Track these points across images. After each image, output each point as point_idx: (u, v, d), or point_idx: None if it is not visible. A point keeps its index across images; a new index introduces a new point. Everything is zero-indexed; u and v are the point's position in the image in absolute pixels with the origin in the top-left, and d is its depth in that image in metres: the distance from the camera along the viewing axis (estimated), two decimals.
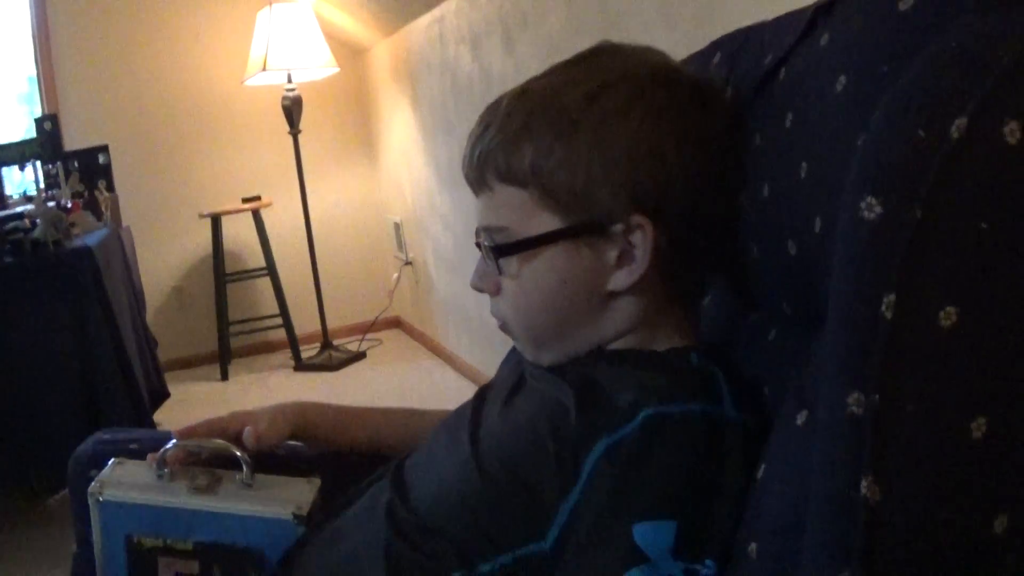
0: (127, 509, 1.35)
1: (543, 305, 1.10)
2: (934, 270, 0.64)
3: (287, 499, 1.34)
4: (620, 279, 1.06)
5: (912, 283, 0.64)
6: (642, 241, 1.03)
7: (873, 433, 0.65)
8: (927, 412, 0.65)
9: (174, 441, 1.39)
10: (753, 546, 0.85)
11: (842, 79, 0.83)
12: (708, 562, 0.89)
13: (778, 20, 1.09)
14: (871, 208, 0.66)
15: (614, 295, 1.07)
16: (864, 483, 0.65)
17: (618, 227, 1.03)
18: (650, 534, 0.90)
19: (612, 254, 1.05)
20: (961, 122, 0.63)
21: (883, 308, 0.64)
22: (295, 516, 1.31)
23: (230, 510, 1.34)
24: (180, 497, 1.35)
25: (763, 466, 0.90)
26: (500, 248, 1.09)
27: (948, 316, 0.63)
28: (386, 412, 1.62)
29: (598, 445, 0.96)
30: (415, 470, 1.22)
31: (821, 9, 0.94)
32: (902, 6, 0.79)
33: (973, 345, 0.64)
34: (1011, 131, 0.62)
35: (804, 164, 0.88)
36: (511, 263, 1.09)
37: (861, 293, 0.67)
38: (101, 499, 1.35)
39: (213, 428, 1.43)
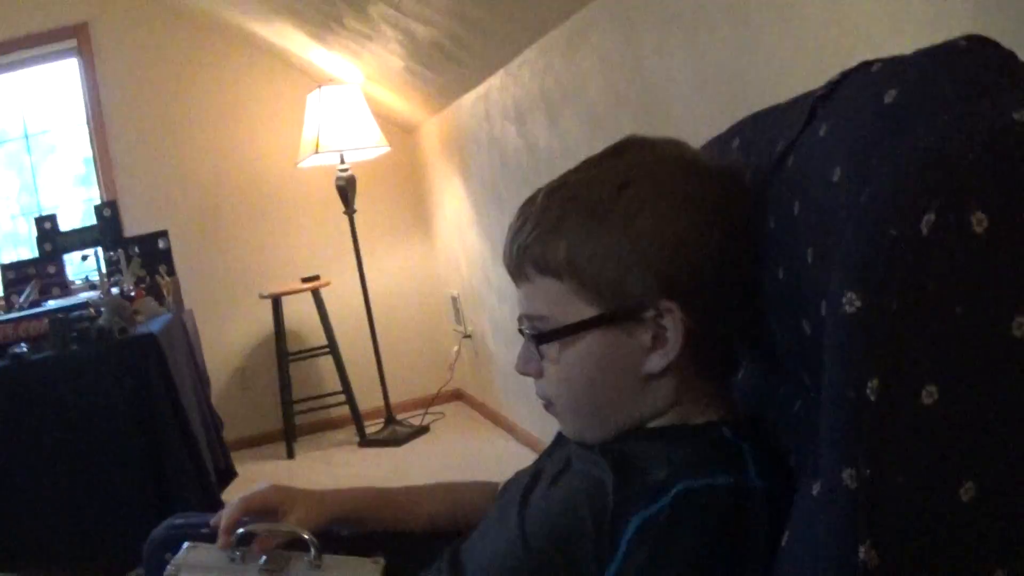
0: None
1: (583, 387, 1.15)
2: (913, 354, 0.70)
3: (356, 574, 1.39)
4: (654, 362, 1.10)
5: (893, 367, 0.70)
6: (673, 324, 1.08)
7: (867, 503, 0.71)
8: (917, 481, 0.70)
9: (244, 529, 1.44)
10: None
11: (837, 170, 0.88)
12: None
13: (787, 106, 1.14)
14: (851, 302, 0.72)
15: (650, 376, 1.12)
16: (862, 549, 0.71)
17: (650, 312, 1.09)
18: None
19: (646, 338, 1.10)
20: (930, 218, 0.69)
21: (868, 391, 0.70)
22: None
23: None
24: None
25: (787, 533, 0.95)
26: (541, 335, 1.15)
27: (930, 394, 0.69)
28: (426, 489, 1.66)
29: (633, 520, 1.01)
30: (469, 551, 1.28)
31: (820, 100, 1.00)
32: (887, 99, 0.84)
33: (955, 418, 0.70)
34: (978, 220, 0.68)
35: (810, 250, 0.93)
36: (552, 349, 1.15)
37: (848, 378, 0.73)
38: None
39: (251, 507, 1.48)
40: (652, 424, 1.15)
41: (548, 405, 1.22)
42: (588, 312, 1.11)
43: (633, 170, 1.12)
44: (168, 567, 1.42)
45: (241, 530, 1.44)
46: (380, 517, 1.58)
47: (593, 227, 1.09)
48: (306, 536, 1.42)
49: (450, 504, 1.60)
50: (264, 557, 1.42)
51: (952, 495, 0.70)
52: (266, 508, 1.49)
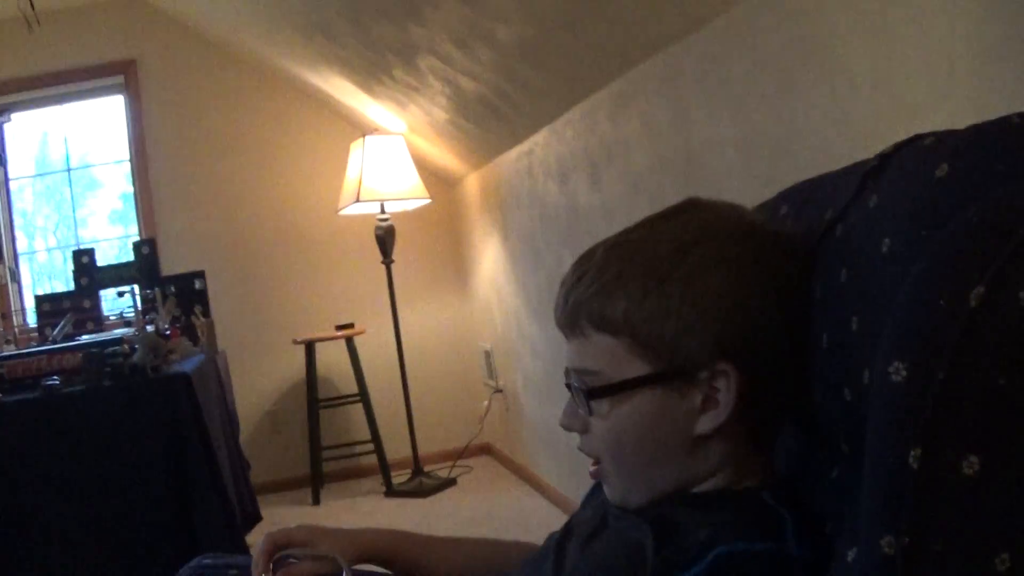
0: None
1: (631, 446, 1.14)
2: (957, 424, 0.70)
3: None
4: (705, 423, 1.10)
5: (936, 437, 0.70)
6: (726, 387, 1.08)
7: (904, 571, 0.71)
8: (954, 551, 0.70)
9: (281, 553, 1.46)
10: None
11: (887, 241, 0.89)
12: None
13: (837, 175, 1.15)
14: (898, 372, 0.73)
15: (700, 438, 1.12)
16: None
17: (704, 373, 1.09)
18: None
19: (697, 399, 1.10)
20: (979, 291, 0.70)
21: (911, 459, 0.71)
22: None
23: None
24: None
25: None
26: (593, 391, 1.14)
27: (971, 465, 0.69)
28: (464, 542, 1.65)
29: None
30: None
31: (870, 173, 1.01)
32: (938, 173, 0.85)
33: (995, 489, 0.70)
34: None
35: (855, 319, 0.94)
36: (602, 405, 1.14)
37: (891, 446, 0.73)
38: None
39: (279, 542, 1.49)
40: (696, 489, 1.15)
41: (596, 464, 1.21)
42: (642, 369, 1.11)
43: (695, 232, 1.12)
44: None
45: (277, 555, 1.45)
46: (411, 562, 1.58)
47: (652, 286, 1.09)
48: (340, 561, 1.43)
49: (483, 560, 1.60)
50: None
51: (988, 565, 0.70)
52: (292, 543, 1.50)
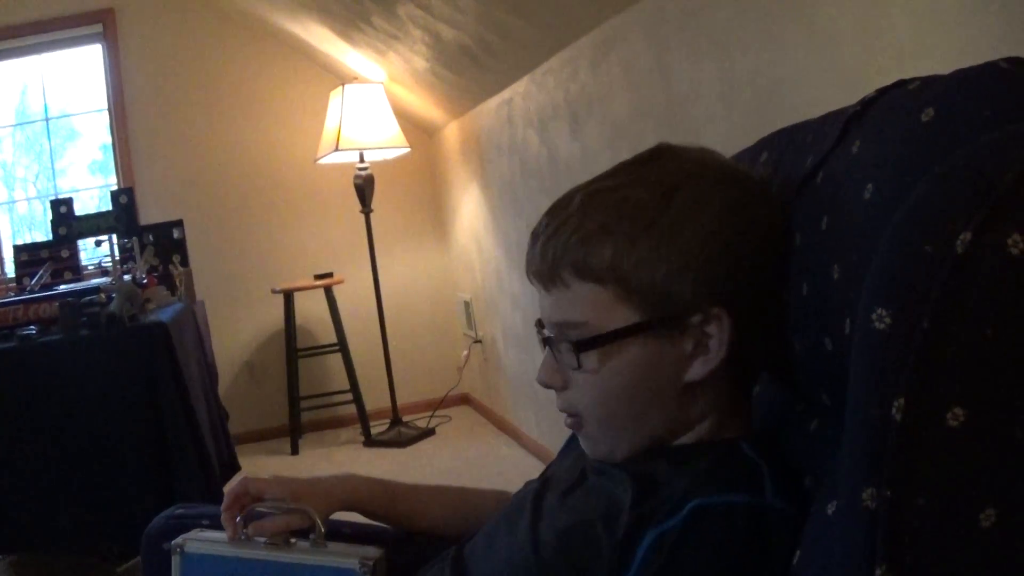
0: (207, 561, 1.44)
1: (621, 398, 1.12)
2: (941, 375, 0.68)
3: (355, 554, 1.40)
4: (697, 369, 1.09)
5: (920, 387, 0.68)
6: (718, 331, 1.07)
7: (886, 525, 0.69)
8: (937, 505, 0.68)
9: (251, 507, 1.47)
10: None
11: (869, 187, 0.88)
12: None
13: (819, 121, 1.12)
14: (881, 319, 0.71)
15: (688, 387, 1.10)
16: (878, 572, 0.69)
17: (696, 318, 1.07)
18: None
19: (687, 345, 1.08)
20: (965, 236, 0.68)
21: (893, 410, 0.69)
22: (362, 563, 1.37)
23: (302, 561, 1.41)
24: (256, 551, 1.42)
25: (798, 553, 0.93)
26: (581, 343, 1.10)
27: (956, 417, 0.67)
28: (441, 491, 1.65)
29: (647, 536, 1.00)
30: (474, 557, 1.26)
31: (853, 118, 0.98)
32: (924, 117, 0.83)
33: (980, 442, 0.68)
34: (1015, 243, 0.66)
35: (836, 267, 0.92)
36: (591, 357, 1.10)
37: (873, 396, 0.71)
38: (184, 551, 1.45)
39: (251, 490, 1.49)
40: (678, 442, 1.13)
41: (573, 419, 1.18)
42: (631, 318, 1.08)
43: (677, 176, 1.10)
44: (176, 539, 1.46)
45: (255, 507, 1.47)
46: (386, 511, 1.57)
47: (640, 231, 1.07)
48: (312, 515, 1.44)
49: (461, 508, 1.60)
50: (265, 536, 1.45)
51: (973, 521, 0.68)
52: (267, 495, 1.50)
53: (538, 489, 1.25)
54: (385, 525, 1.60)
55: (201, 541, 1.46)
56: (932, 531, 0.69)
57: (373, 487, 1.59)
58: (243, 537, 1.44)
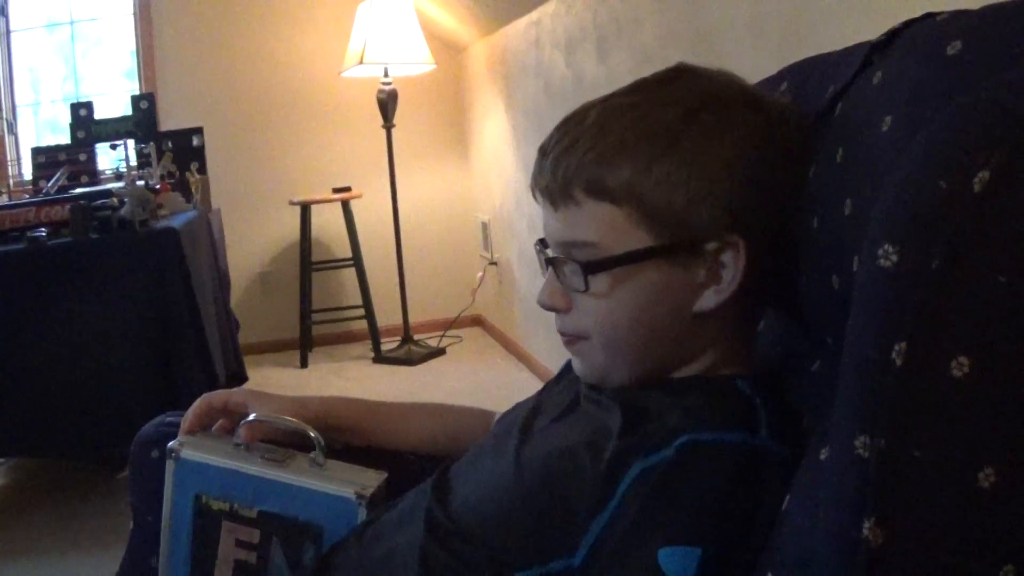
0: (202, 469, 1.41)
1: (632, 323, 1.07)
2: (948, 320, 0.64)
3: (353, 481, 1.38)
4: (709, 299, 1.05)
5: (924, 332, 0.65)
6: (733, 260, 1.03)
7: (877, 476, 0.66)
8: (934, 459, 0.65)
9: (253, 416, 1.44)
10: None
11: (888, 119, 0.83)
12: None
13: (841, 53, 1.08)
14: (888, 256, 0.66)
15: (696, 317, 1.06)
16: (866, 525, 0.66)
17: (711, 245, 1.03)
18: (674, 559, 0.90)
19: (700, 273, 1.04)
20: (984, 175, 0.63)
21: (894, 354, 0.65)
22: (357, 495, 1.34)
23: (298, 482, 1.38)
24: (253, 465, 1.40)
25: (788, 497, 0.90)
26: (591, 264, 1.06)
27: (960, 366, 0.64)
28: (419, 409, 1.63)
29: (634, 467, 0.97)
30: (459, 477, 1.23)
31: (877, 47, 0.94)
32: (950, 50, 0.79)
33: (984, 396, 0.64)
34: None
35: (849, 201, 0.88)
36: (600, 280, 1.06)
37: (873, 338, 0.67)
38: (181, 455, 1.42)
39: (214, 404, 1.49)
40: (675, 375, 1.10)
41: (574, 340, 1.14)
42: (645, 241, 1.04)
43: (700, 96, 1.06)
44: (172, 442, 1.44)
45: (249, 417, 1.44)
46: (366, 431, 1.55)
47: (660, 152, 1.02)
48: (312, 434, 1.42)
49: (442, 427, 1.57)
50: (263, 450, 1.43)
51: (970, 479, 0.64)
52: (230, 408, 1.49)
53: (528, 413, 1.23)
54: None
55: (199, 447, 1.43)
56: (926, 486, 0.65)
57: (355, 405, 1.57)
58: (242, 445, 1.42)
